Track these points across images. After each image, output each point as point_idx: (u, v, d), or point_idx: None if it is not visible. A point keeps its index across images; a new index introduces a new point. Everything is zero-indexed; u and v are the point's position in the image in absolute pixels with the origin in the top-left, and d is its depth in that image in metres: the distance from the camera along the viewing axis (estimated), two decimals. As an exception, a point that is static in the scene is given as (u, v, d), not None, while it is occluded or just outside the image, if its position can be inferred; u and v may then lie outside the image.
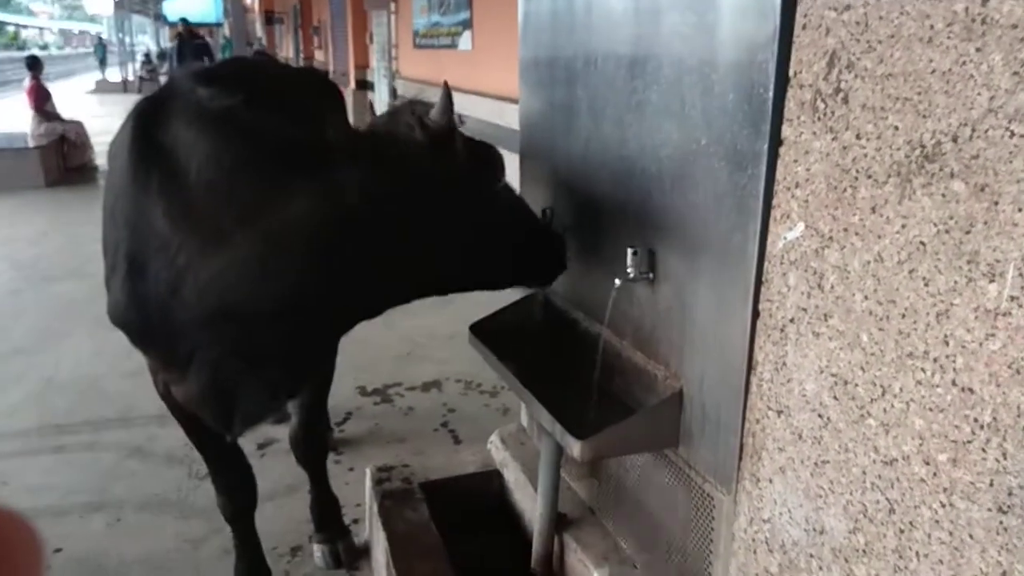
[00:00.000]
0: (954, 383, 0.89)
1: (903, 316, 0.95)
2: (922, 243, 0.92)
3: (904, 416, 0.96)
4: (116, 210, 1.61)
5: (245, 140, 1.46)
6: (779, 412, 1.20)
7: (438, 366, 3.79)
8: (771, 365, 1.21)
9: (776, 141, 1.17)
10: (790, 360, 1.16)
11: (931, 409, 0.92)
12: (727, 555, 1.43)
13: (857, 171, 1.01)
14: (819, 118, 1.06)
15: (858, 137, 1.00)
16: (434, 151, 1.56)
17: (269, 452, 2.99)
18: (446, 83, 1.53)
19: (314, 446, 2.29)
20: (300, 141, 1.47)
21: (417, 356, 3.91)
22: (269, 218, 1.43)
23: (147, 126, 1.57)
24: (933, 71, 0.88)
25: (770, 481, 1.24)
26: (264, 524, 2.56)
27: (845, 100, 1.01)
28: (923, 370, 0.93)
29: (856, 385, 1.04)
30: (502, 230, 1.74)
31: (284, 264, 1.45)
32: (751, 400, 1.27)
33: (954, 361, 0.89)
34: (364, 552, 2.43)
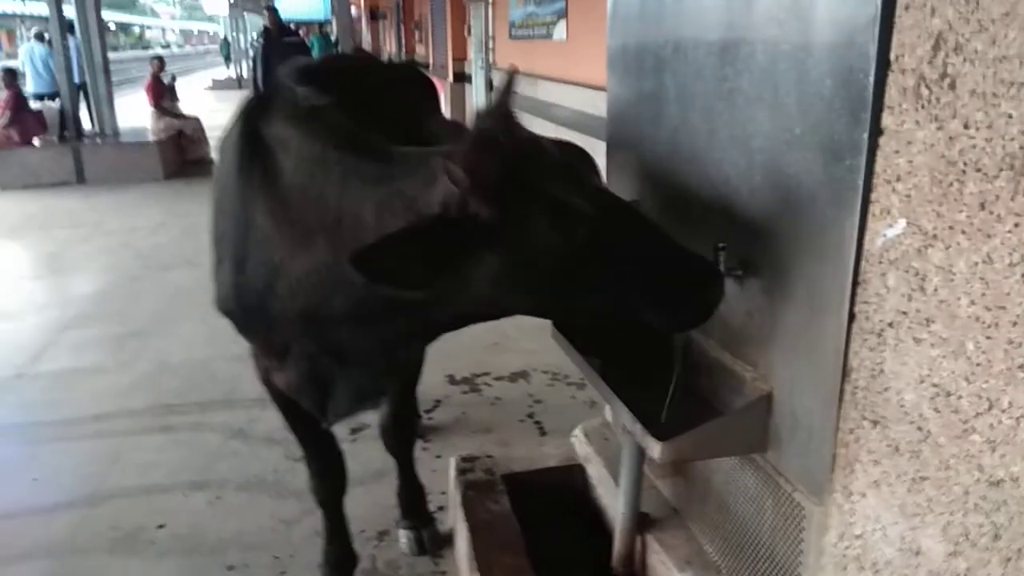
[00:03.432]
0: (1073, 400, 0.80)
1: (1014, 324, 0.86)
2: (1038, 244, 0.83)
3: (1013, 433, 0.88)
4: (223, 204, 1.68)
5: (327, 144, 1.47)
6: (875, 423, 1.12)
7: (526, 357, 3.79)
8: (867, 372, 1.13)
9: (876, 131, 1.09)
10: (888, 367, 1.08)
11: (1046, 428, 0.84)
12: (816, 569, 1.35)
13: (965, 163, 0.92)
14: (923, 106, 0.98)
15: (966, 126, 0.91)
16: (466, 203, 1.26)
17: (360, 437, 3.06)
18: (513, 67, 1.43)
19: (402, 434, 2.33)
20: (379, 149, 1.46)
21: (505, 346, 3.91)
22: (342, 227, 1.42)
23: (252, 123, 1.61)
24: (1055, 52, 0.80)
25: (863, 495, 1.16)
26: (353, 508, 2.62)
27: (952, 86, 0.93)
28: (1037, 384, 0.84)
29: (960, 397, 0.95)
30: (593, 263, 1.33)
31: (348, 281, 1.32)
32: (844, 409, 1.20)
33: (1073, 376, 0.80)
34: (448, 540, 2.45)
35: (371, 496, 2.68)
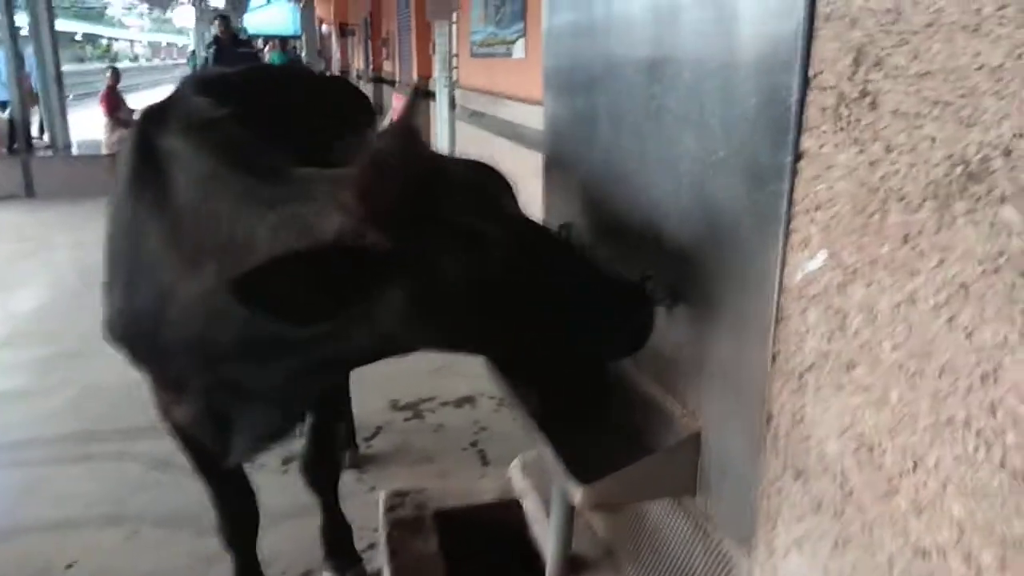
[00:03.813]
0: (1003, 464, 0.70)
1: (940, 374, 0.76)
2: (964, 284, 0.73)
3: (940, 498, 0.77)
4: (117, 219, 1.56)
5: (220, 160, 1.36)
6: (797, 474, 1.02)
7: (472, 381, 3.65)
8: (788, 417, 1.03)
9: (797, 154, 0.99)
10: (808, 414, 0.98)
11: (973, 493, 0.73)
12: (743, 629, 1.24)
13: (887, 191, 0.82)
14: (843, 127, 0.88)
15: (888, 150, 0.82)
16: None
17: (292, 468, 2.89)
18: (415, 89, 1.34)
19: (324, 470, 2.18)
20: (276, 168, 1.34)
21: (452, 370, 3.77)
22: (234, 253, 1.30)
23: (147, 132, 1.50)
24: (980, 67, 0.70)
25: (787, 554, 1.05)
26: (279, 543, 2.48)
27: (873, 105, 0.83)
28: (963, 443, 0.74)
29: (884, 452, 0.85)
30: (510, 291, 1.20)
31: (235, 311, 1.14)
32: (766, 457, 1.09)
33: (1003, 436, 0.70)
34: (377, 581, 2.31)
35: (301, 531, 2.52)
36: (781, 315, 1.03)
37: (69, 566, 2.37)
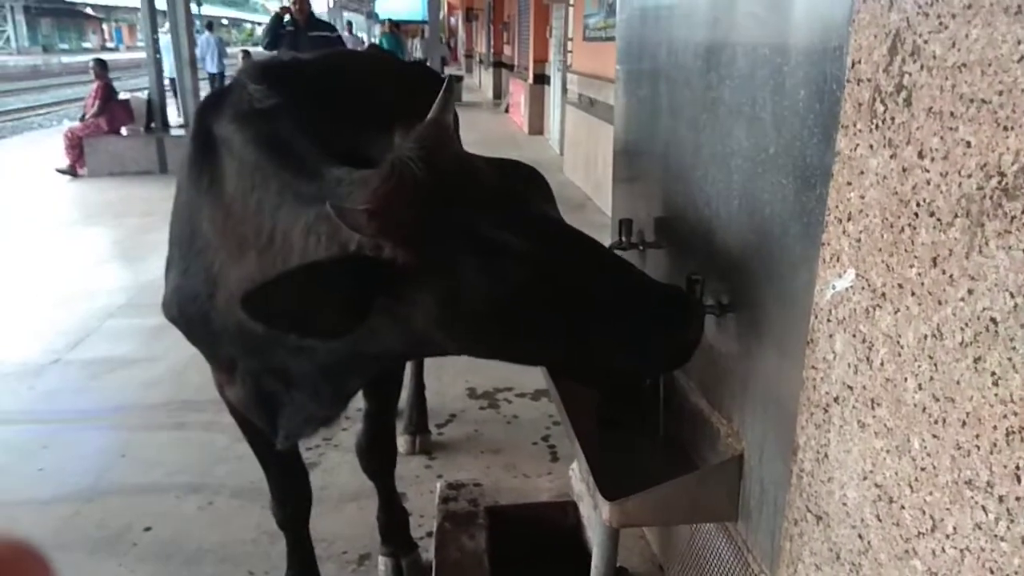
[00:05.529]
0: (1025, 542, 0.58)
1: (963, 423, 0.64)
2: (993, 320, 0.61)
3: (957, 569, 0.65)
4: (179, 203, 1.61)
5: (265, 151, 1.36)
6: (819, 518, 0.90)
7: (553, 374, 3.59)
8: (812, 453, 0.91)
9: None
10: (832, 452, 0.86)
11: (992, 572, 0.61)
12: (768, 675, 1.13)
13: (918, 204, 0.70)
14: (877, 126, 0.76)
15: (920, 155, 0.69)
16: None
17: (364, 450, 2.94)
18: (449, 78, 1.28)
19: (380, 457, 2.18)
20: (312, 164, 1.32)
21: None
22: (273, 245, 1.30)
23: (205, 119, 1.53)
24: (1021, 58, 0.57)
25: (804, 604, 0.94)
26: (341, 526, 2.52)
27: (908, 101, 0.71)
28: (984, 509, 0.62)
29: (903, 507, 0.73)
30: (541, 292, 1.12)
31: (276, 302, 1.13)
32: (790, 495, 0.98)
33: (1028, 508, 0.58)
34: (430, 569, 2.30)
35: (363, 513, 2.54)
36: (810, 337, 0.91)
37: (147, 529, 2.49)
